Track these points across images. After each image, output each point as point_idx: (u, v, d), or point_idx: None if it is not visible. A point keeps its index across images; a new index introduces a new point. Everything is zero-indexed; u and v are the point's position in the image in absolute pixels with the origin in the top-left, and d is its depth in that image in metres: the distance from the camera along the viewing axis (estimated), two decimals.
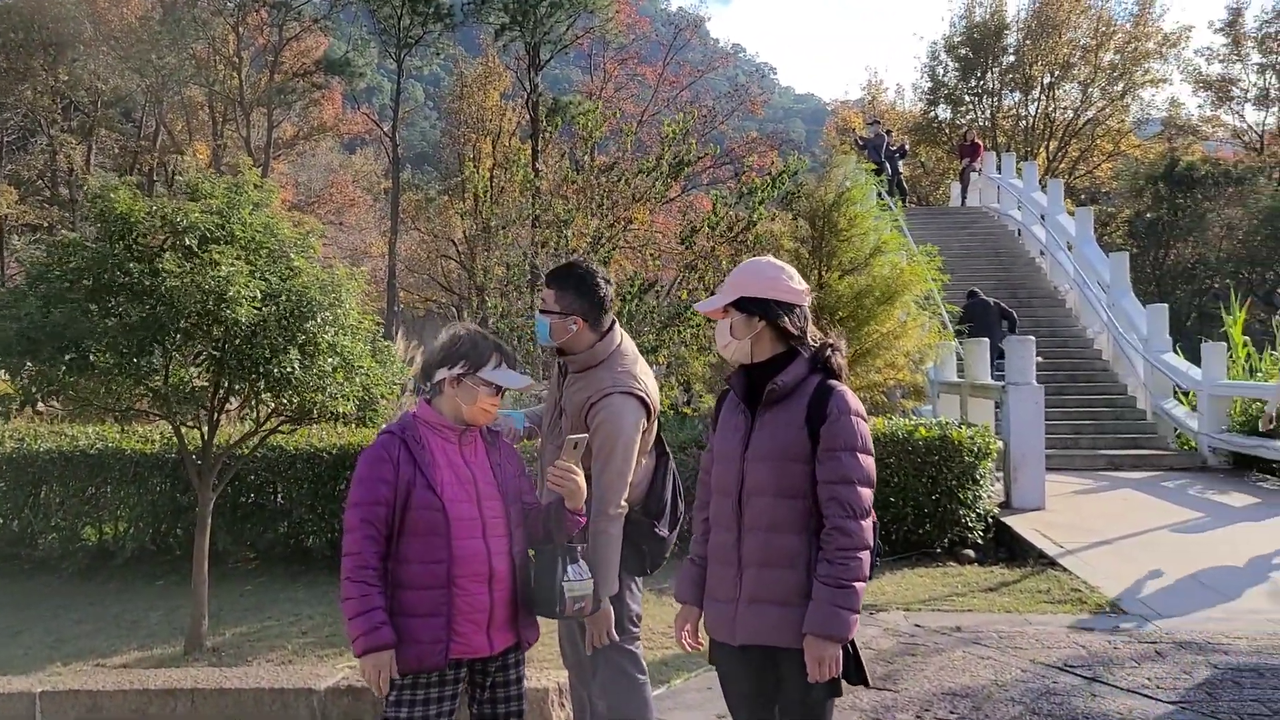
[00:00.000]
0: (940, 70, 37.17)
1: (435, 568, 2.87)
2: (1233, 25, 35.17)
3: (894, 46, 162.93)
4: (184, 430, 6.31)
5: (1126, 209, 31.37)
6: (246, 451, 6.73)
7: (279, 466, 7.95)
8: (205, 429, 6.31)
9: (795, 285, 2.82)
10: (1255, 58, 34.82)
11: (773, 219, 14.13)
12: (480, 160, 34.39)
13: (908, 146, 23.63)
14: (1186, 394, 13.45)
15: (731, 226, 14.08)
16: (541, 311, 3.48)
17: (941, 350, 11.34)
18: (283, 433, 6.65)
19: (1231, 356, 13.63)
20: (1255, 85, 35.06)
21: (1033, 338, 9.99)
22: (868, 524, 2.64)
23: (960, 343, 11.86)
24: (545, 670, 4.70)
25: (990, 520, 8.82)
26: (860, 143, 21.87)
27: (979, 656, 5.26)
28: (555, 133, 20.94)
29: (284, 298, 5.78)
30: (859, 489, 2.64)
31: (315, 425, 7.23)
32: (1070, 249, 16.81)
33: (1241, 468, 12.03)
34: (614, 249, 14.40)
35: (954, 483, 8.45)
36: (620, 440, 3.29)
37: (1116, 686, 4.77)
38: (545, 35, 33.72)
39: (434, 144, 55.31)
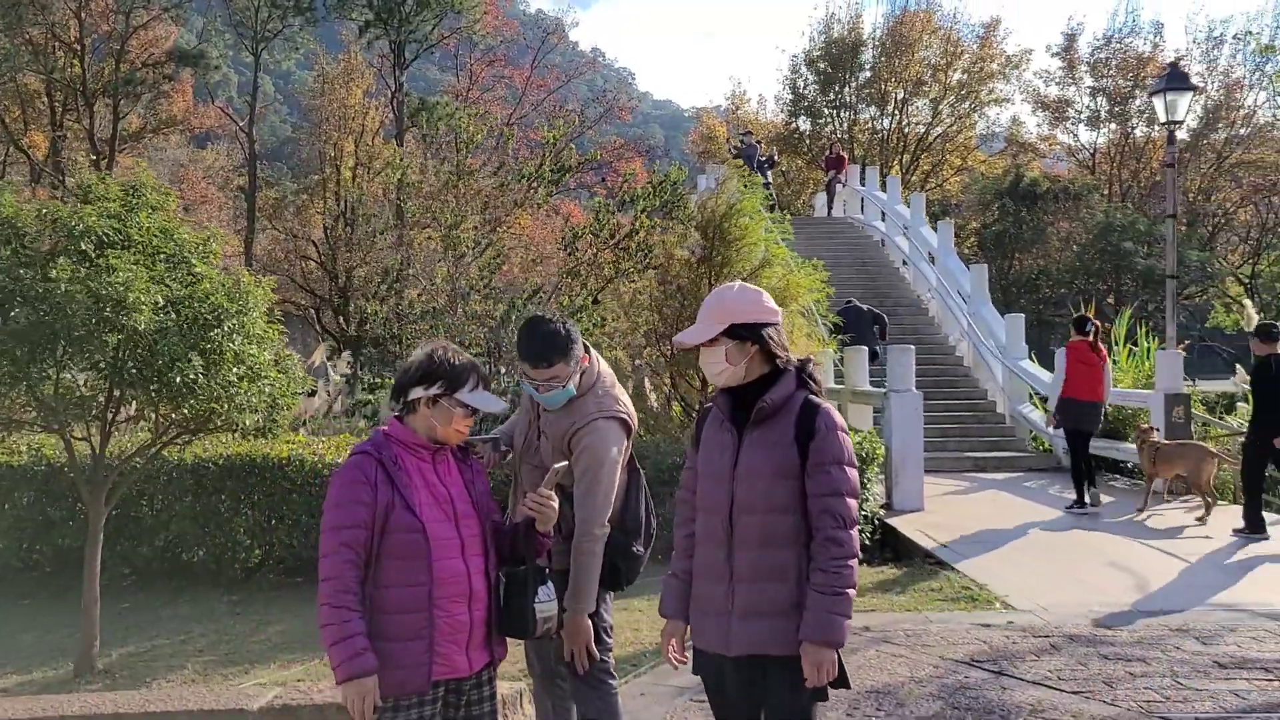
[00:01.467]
0: (801, 83, 38.33)
1: (416, 590, 2.83)
2: (1068, 50, 37.50)
3: (756, 57, 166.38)
4: (71, 442, 6.01)
5: (974, 221, 33.06)
6: (141, 464, 6.42)
7: (158, 478, 7.61)
8: (96, 440, 6.01)
9: (774, 306, 2.93)
10: (1088, 81, 37.21)
11: (654, 227, 14.33)
12: (342, 159, 33.57)
13: (776, 157, 24.29)
14: (1044, 399, 14.28)
15: (614, 233, 14.21)
16: (559, 383, 3.39)
17: (820, 358, 11.71)
18: (179, 444, 6.40)
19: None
20: (1088, 107, 37.46)
21: (912, 347, 10.46)
22: (856, 534, 2.77)
23: (839, 351, 12.29)
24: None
25: (876, 522, 9.21)
26: (733, 152, 22.36)
27: (892, 655, 5.50)
28: (436, 134, 20.59)
29: (186, 305, 5.58)
30: (848, 500, 2.77)
31: (210, 436, 6.97)
32: (932, 260, 17.61)
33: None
34: (500, 257, 14.31)
35: None
36: (605, 464, 3.33)
37: (1022, 679, 5.07)
38: (411, 34, 33.14)
39: (284, 140, 53.47)
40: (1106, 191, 32.91)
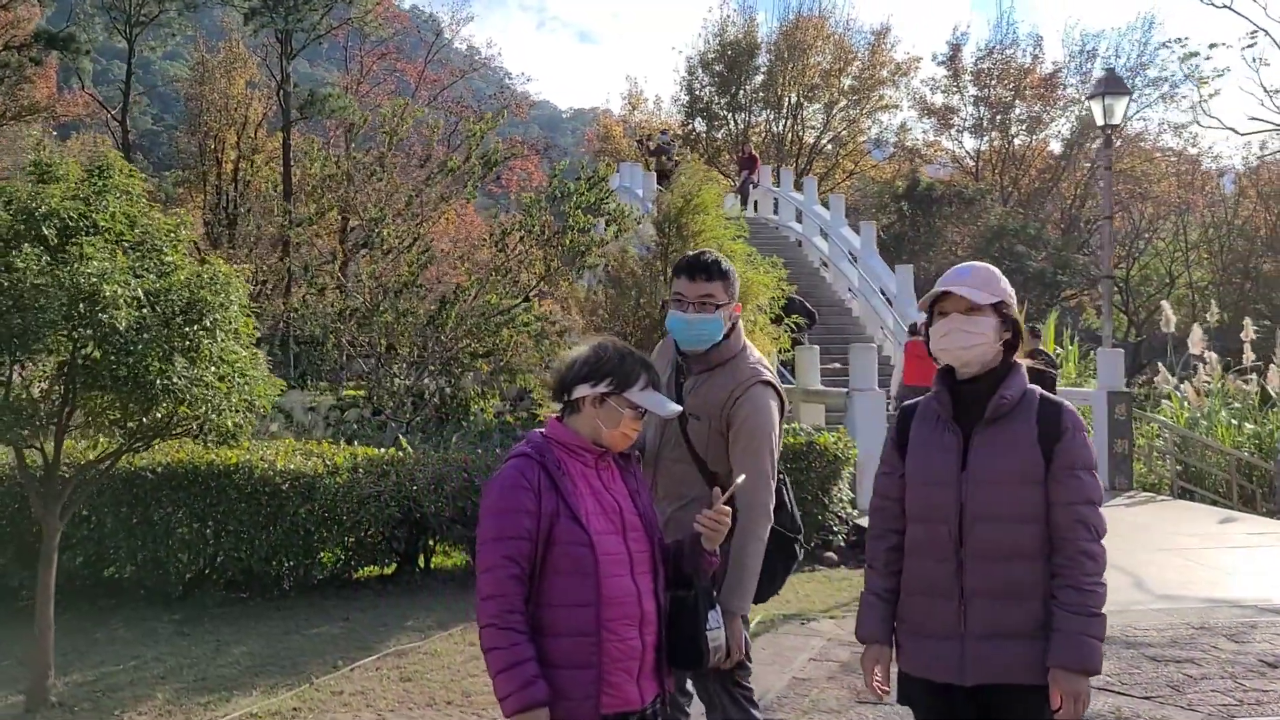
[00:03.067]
0: (697, 85, 38.40)
1: (583, 611, 2.47)
2: (953, 60, 38.60)
3: (643, 58, 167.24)
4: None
5: (871, 223, 33.66)
6: (94, 475, 5.73)
7: (86, 488, 6.88)
8: (50, 448, 5.33)
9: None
10: (972, 90, 38.39)
11: (589, 226, 13.96)
12: (224, 152, 32.06)
13: (672, 159, 24.22)
14: None
15: (544, 230, 13.77)
16: (714, 306, 3.06)
17: (807, 355, 11.57)
18: (137, 450, 5.76)
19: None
20: (972, 115, 38.64)
21: (873, 345, 10.38)
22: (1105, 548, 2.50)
23: (791, 350, 12.14)
24: None
25: (851, 524, 9.06)
26: (649, 151, 22.13)
27: None
28: (361, 131, 19.72)
29: (165, 298, 4.97)
30: (1099, 510, 2.51)
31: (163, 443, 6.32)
32: (854, 260, 17.73)
33: None
34: (429, 253, 13.71)
35: (818, 487, 8.65)
36: (769, 434, 3.00)
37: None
38: (299, 23, 31.78)
39: (143, 133, 50.79)
40: (996, 196, 33.97)
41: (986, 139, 38.90)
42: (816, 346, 12.24)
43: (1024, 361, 2.62)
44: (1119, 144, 37.70)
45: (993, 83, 38.25)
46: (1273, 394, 13.09)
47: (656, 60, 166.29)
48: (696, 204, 10.05)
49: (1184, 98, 36.41)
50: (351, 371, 12.64)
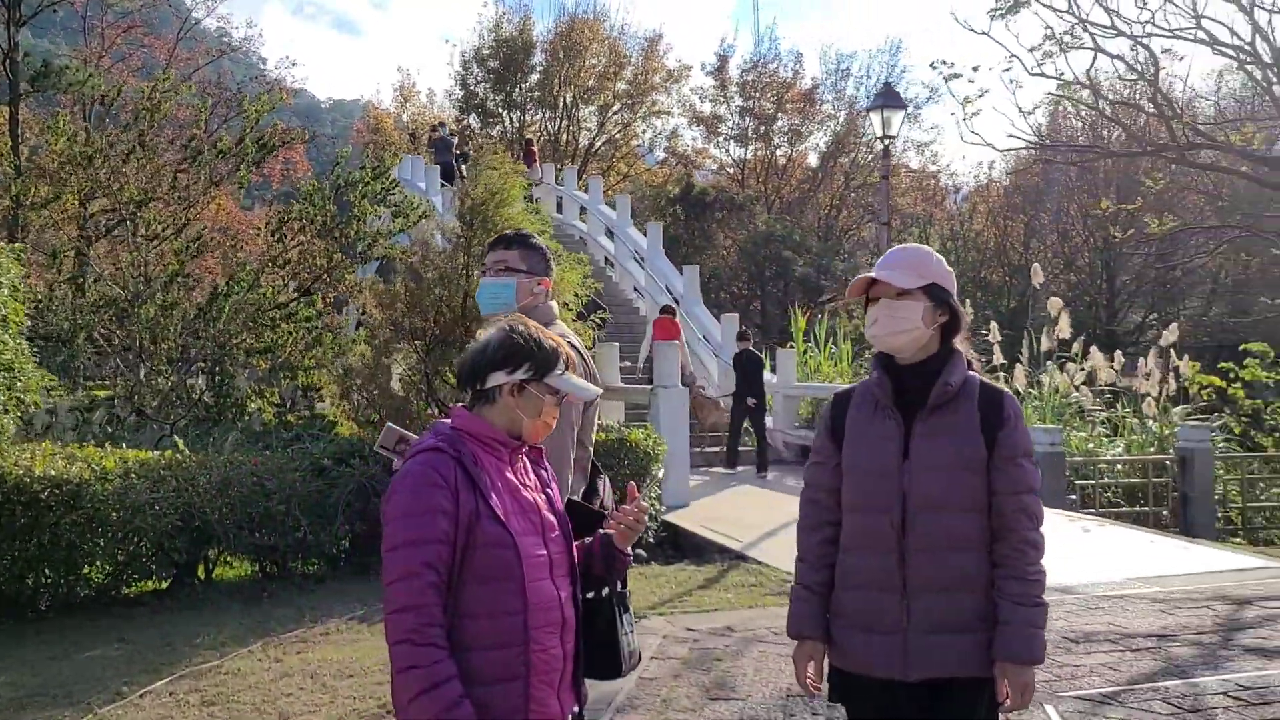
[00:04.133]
0: (472, 80, 37.78)
1: (509, 620, 2.22)
2: (720, 71, 39.96)
3: (419, 49, 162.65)
4: None
5: (658, 224, 34.22)
6: None
7: None
8: None
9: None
10: (738, 101, 39.87)
11: (365, 216, 13.31)
12: None
13: (471, 151, 23.72)
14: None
15: (327, 220, 13.04)
16: (509, 270, 3.11)
17: (607, 351, 11.41)
18: None
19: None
20: (738, 125, 40.13)
21: (676, 343, 10.44)
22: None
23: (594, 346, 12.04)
24: None
25: (659, 520, 9.07)
26: (430, 143, 21.47)
27: (777, 654, 5.29)
28: (114, 106, 17.93)
29: None
30: (1039, 498, 2.48)
31: None
32: (640, 261, 17.90)
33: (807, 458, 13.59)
34: (199, 241, 12.66)
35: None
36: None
37: None
38: None
39: None
40: (764, 202, 35.42)
41: (751, 148, 40.50)
42: (616, 344, 12.21)
43: (962, 346, 2.58)
44: (870, 158, 40.37)
45: (757, 95, 39.86)
46: (1021, 390, 14.23)
47: (426, 53, 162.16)
48: (501, 197, 9.75)
49: (924, 118, 39.36)
50: (104, 369, 11.44)
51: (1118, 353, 14.96)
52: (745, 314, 24.89)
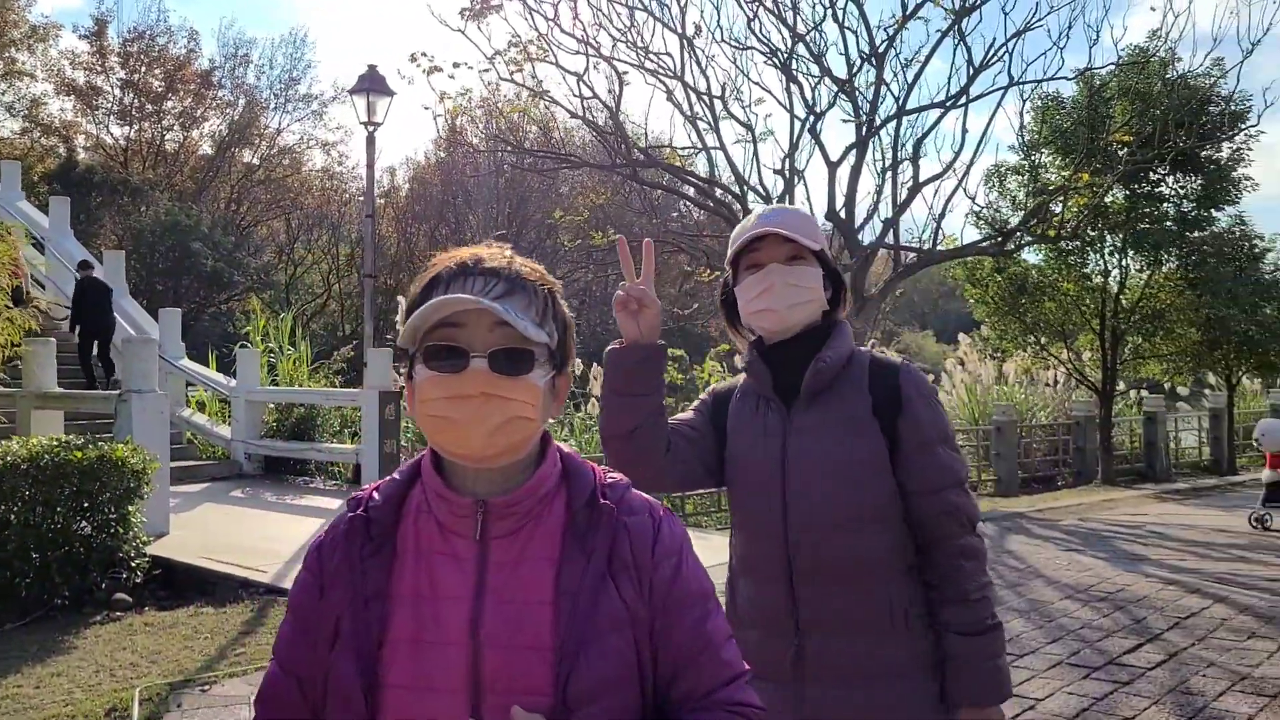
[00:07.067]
0: None
1: None
2: (99, 36, 35.10)
3: None
4: None
5: (64, 199, 28.48)
6: None
7: None
8: None
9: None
10: (120, 74, 35.34)
11: None
12: None
13: None
14: (225, 401, 13.08)
15: None
16: None
17: (41, 350, 8.85)
18: None
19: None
20: (120, 100, 35.56)
21: (154, 337, 8.65)
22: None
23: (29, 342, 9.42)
24: None
25: (145, 554, 7.37)
26: None
27: None
28: None
29: None
30: (968, 492, 2.01)
31: None
32: (41, 246, 14.77)
33: (273, 470, 12.29)
34: None
35: (114, 511, 6.93)
36: None
37: None
38: None
39: None
40: (163, 190, 31.63)
41: (137, 128, 36.20)
42: (53, 340, 9.81)
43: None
44: (274, 153, 38.38)
45: (144, 69, 35.76)
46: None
47: None
48: None
49: (332, 117, 38.44)
50: None
51: None
52: (150, 310, 21.86)
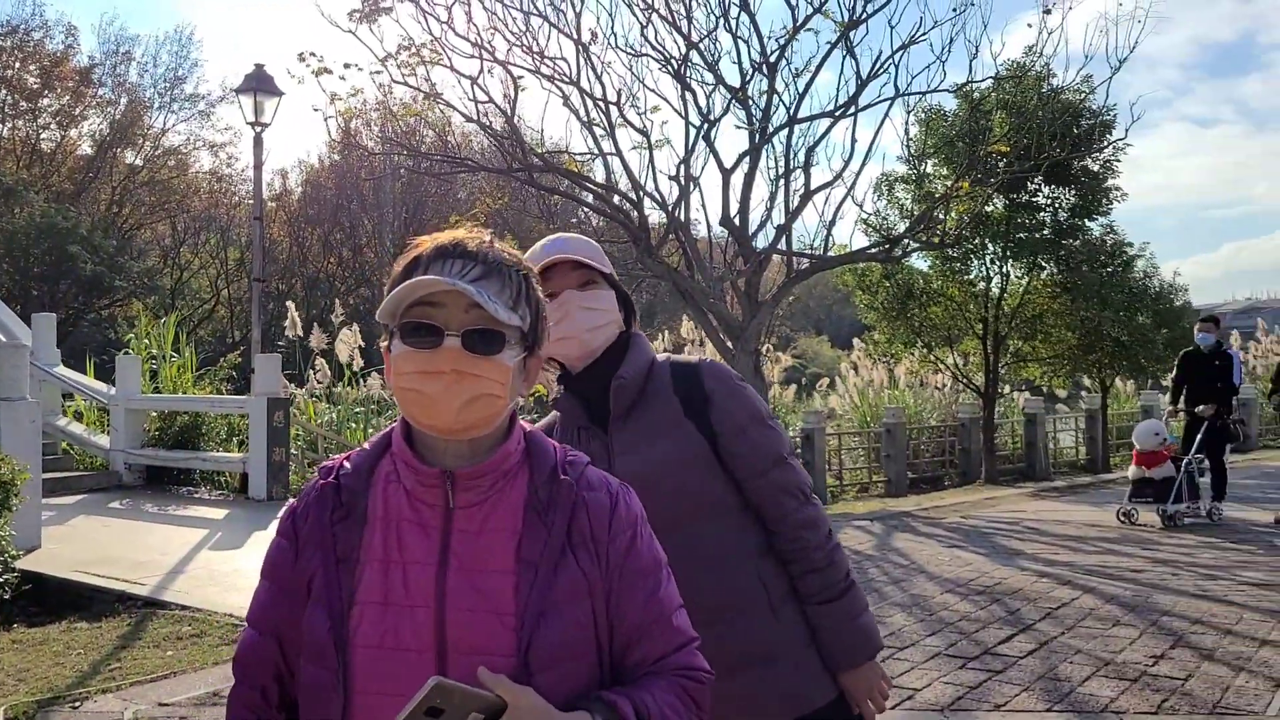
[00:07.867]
0: None
1: None
2: None
3: None
4: None
5: None
6: None
7: None
8: None
9: None
10: None
11: None
12: None
13: None
14: (104, 410, 12.54)
15: None
16: None
17: None
18: None
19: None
20: None
21: (21, 338, 8.28)
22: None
23: None
24: None
25: (15, 569, 7.05)
26: None
27: None
28: None
29: None
30: (796, 464, 2.08)
31: None
32: None
33: (156, 480, 11.89)
34: None
35: None
36: None
37: None
38: None
39: None
40: (40, 190, 30.27)
41: (10, 125, 34.62)
42: None
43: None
44: (159, 154, 37.09)
45: (17, 65, 34.23)
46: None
47: None
48: None
49: (220, 118, 37.24)
50: None
51: None
52: (24, 316, 20.85)
